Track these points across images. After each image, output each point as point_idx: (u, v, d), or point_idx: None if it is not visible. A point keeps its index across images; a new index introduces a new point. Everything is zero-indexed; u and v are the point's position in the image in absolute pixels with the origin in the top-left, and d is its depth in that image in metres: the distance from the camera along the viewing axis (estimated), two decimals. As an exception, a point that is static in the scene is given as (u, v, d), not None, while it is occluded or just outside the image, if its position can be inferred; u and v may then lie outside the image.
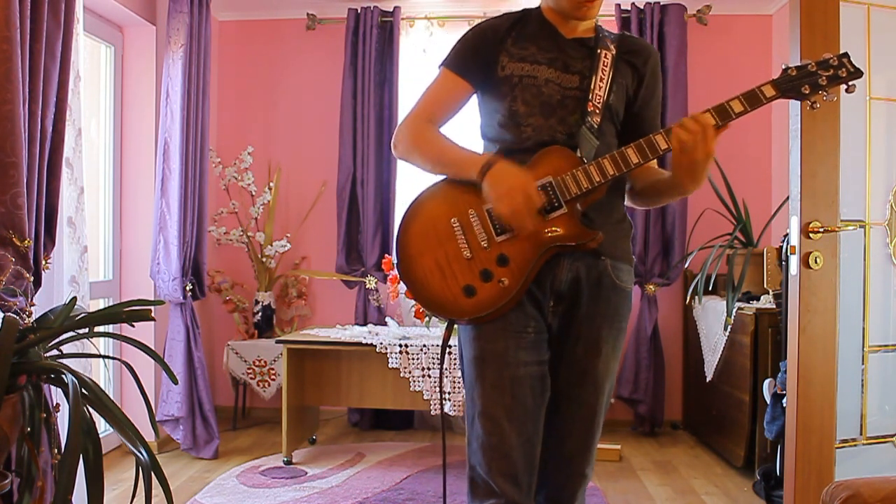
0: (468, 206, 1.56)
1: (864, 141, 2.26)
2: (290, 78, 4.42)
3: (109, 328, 3.07)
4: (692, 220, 4.07)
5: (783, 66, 1.50)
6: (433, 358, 3.37)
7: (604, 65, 1.60)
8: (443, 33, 4.14)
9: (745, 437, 3.27)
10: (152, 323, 2.89)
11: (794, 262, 2.15)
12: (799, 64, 1.49)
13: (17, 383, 1.70)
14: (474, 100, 1.70)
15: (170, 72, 3.49)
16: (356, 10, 4.17)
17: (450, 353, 3.32)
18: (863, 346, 2.27)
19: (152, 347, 1.97)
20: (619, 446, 3.65)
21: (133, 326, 1.93)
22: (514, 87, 1.60)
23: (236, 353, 4.05)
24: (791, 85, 1.48)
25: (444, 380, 3.33)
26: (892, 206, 2.30)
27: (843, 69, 1.48)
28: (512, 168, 1.50)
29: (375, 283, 4.16)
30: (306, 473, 3.31)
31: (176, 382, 2.13)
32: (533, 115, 1.59)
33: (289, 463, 3.44)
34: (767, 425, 2.83)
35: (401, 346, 3.40)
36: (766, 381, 2.87)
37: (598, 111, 1.57)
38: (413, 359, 3.39)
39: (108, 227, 3.69)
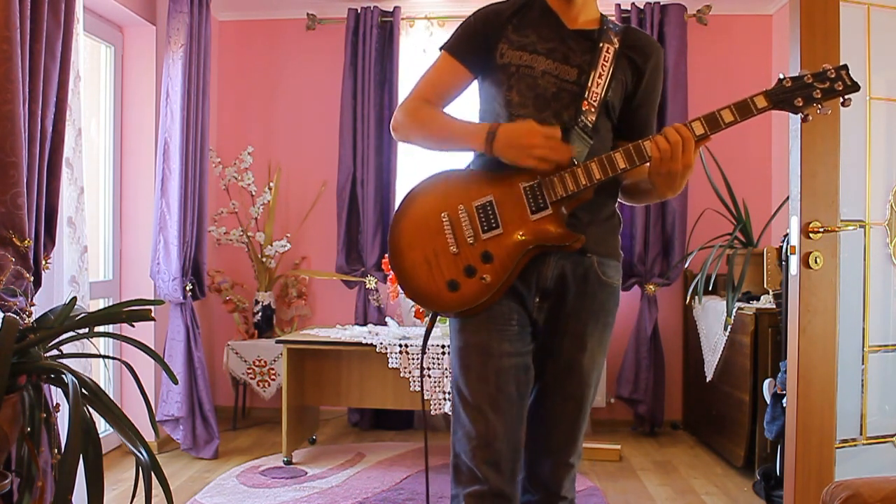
0: (458, 201, 1.58)
1: (864, 141, 2.26)
2: (290, 78, 4.42)
3: (109, 328, 3.07)
4: (692, 220, 4.07)
5: (779, 77, 1.47)
6: (433, 358, 3.37)
7: (605, 60, 1.58)
8: (443, 33, 4.14)
9: (745, 437, 3.27)
10: (152, 323, 2.89)
11: (794, 262, 2.15)
12: (795, 75, 1.47)
13: (17, 383, 1.70)
14: (476, 87, 1.71)
15: (170, 72, 3.49)
16: (356, 10, 4.17)
17: (442, 350, 3.32)
18: (863, 346, 2.27)
19: (152, 347, 1.97)
20: (619, 446, 3.65)
21: (133, 326, 1.93)
22: (510, 77, 1.60)
23: (236, 353, 4.05)
24: (784, 97, 1.46)
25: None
26: (892, 206, 2.30)
27: (840, 82, 1.45)
28: (514, 125, 1.52)
29: (375, 283, 4.16)
30: (306, 473, 3.31)
31: (176, 382, 2.13)
32: (525, 107, 1.59)
33: (289, 463, 3.44)
34: (767, 425, 2.83)
35: (401, 346, 3.40)
36: (766, 381, 2.87)
37: (593, 109, 1.56)
38: (413, 359, 3.39)
39: (108, 227, 3.69)
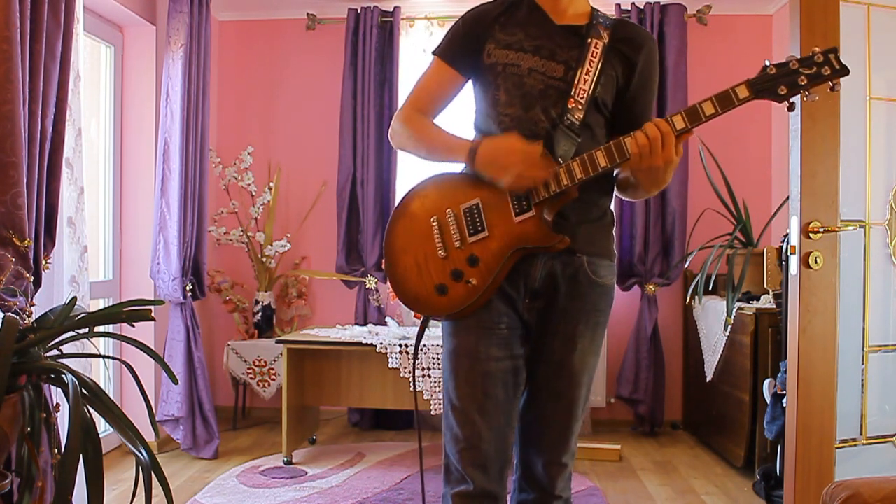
0: (447, 204, 1.59)
1: (864, 141, 2.25)
2: (290, 78, 4.42)
3: (109, 328, 3.07)
4: (692, 220, 4.07)
5: (764, 63, 1.43)
6: (433, 358, 3.37)
7: (592, 55, 1.57)
8: (443, 33, 4.13)
9: (745, 437, 3.27)
10: (152, 323, 2.88)
11: (794, 262, 2.15)
12: (781, 61, 1.42)
13: (17, 383, 1.70)
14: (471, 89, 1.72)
15: (170, 72, 3.49)
16: (356, 10, 4.17)
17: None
18: (863, 346, 2.27)
19: (152, 347, 1.97)
20: (619, 446, 3.65)
21: (133, 326, 1.93)
22: (497, 76, 1.61)
23: (236, 353, 4.05)
24: (767, 85, 1.41)
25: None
26: (892, 206, 2.30)
27: (827, 66, 1.39)
28: (495, 141, 1.53)
29: (375, 283, 4.16)
30: (306, 473, 3.31)
31: (176, 382, 2.13)
32: (513, 106, 1.59)
33: (289, 463, 3.44)
34: (767, 425, 2.83)
35: (401, 346, 3.40)
36: (766, 381, 2.87)
37: (580, 106, 1.55)
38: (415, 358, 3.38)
39: (108, 227, 3.69)
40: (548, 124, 1.56)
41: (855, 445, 2.26)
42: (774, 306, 3.17)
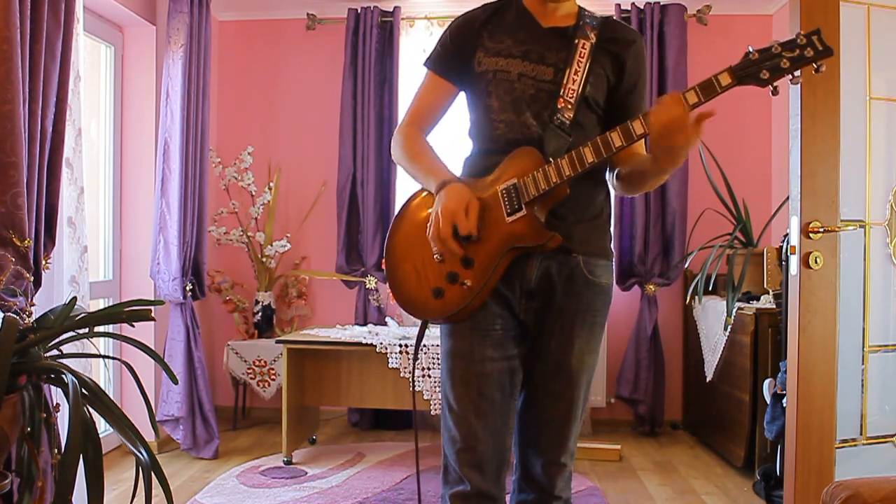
0: None
1: (864, 141, 2.25)
2: (290, 78, 4.42)
3: (109, 328, 3.07)
4: (692, 220, 4.07)
5: (747, 49, 1.41)
6: (433, 358, 3.37)
7: (580, 56, 1.58)
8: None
9: (745, 437, 3.27)
10: (152, 323, 2.88)
11: (794, 262, 2.15)
12: (763, 46, 1.41)
13: (17, 383, 1.70)
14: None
15: (170, 72, 3.49)
16: (356, 10, 4.17)
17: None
18: (863, 346, 2.27)
19: (152, 347, 1.97)
20: (619, 446, 3.65)
21: (133, 326, 1.93)
22: (488, 83, 1.62)
23: (236, 353, 4.05)
24: (749, 71, 1.40)
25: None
26: (892, 206, 2.30)
27: (810, 48, 1.37)
28: (454, 193, 1.53)
29: (375, 283, 4.16)
30: (306, 473, 3.31)
31: (176, 382, 2.13)
32: (505, 111, 1.60)
33: (289, 463, 3.44)
34: (767, 425, 2.83)
35: (401, 346, 3.40)
36: (766, 381, 2.87)
37: (570, 106, 1.56)
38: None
39: (108, 227, 3.69)
40: (538, 128, 1.57)
41: (855, 445, 2.26)
42: (774, 306, 3.17)
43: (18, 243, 2.05)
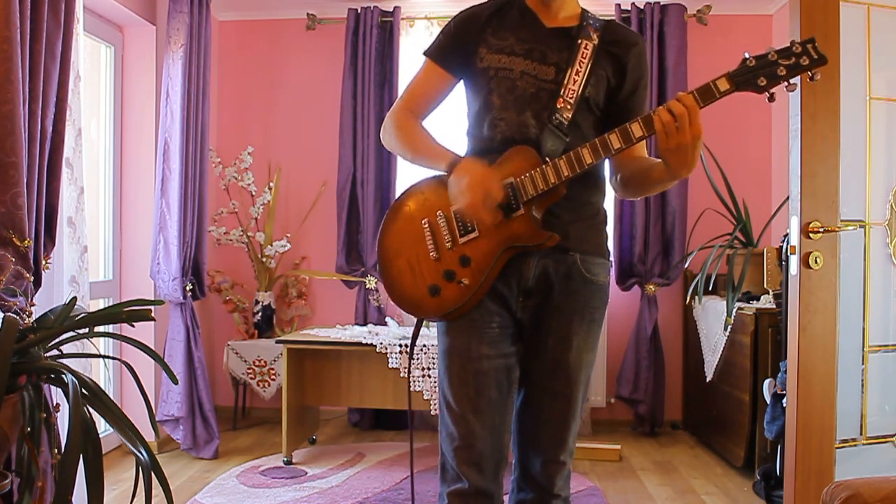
0: (437, 207, 1.61)
1: (864, 141, 2.25)
2: (290, 78, 4.41)
3: (109, 328, 3.07)
4: (692, 220, 4.07)
5: (744, 56, 1.44)
6: (433, 358, 3.37)
7: (582, 56, 1.59)
8: (443, 33, 4.14)
9: (745, 437, 3.27)
10: (152, 323, 2.88)
11: (794, 262, 2.15)
12: (760, 53, 1.44)
13: (17, 383, 1.70)
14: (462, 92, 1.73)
15: (170, 72, 3.49)
16: (356, 10, 4.17)
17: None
18: (863, 346, 2.27)
19: (152, 347, 1.97)
20: (619, 446, 3.65)
21: (133, 326, 1.93)
22: (490, 80, 1.62)
23: (236, 353, 4.05)
24: (746, 77, 1.43)
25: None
26: (892, 206, 2.30)
27: (805, 56, 1.40)
28: (476, 164, 1.54)
29: (375, 283, 4.16)
30: (306, 473, 3.31)
31: (176, 382, 2.13)
32: (507, 110, 1.60)
33: (289, 463, 3.44)
34: (767, 425, 2.83)
35: (401, 346, 3.40)
36: (766, 381, 2.87)
37: (569, 106, 1.57)
38: (413, 359, 3.38)
39: (108, 227, 3.69)
40: (537, 127, 1.58)
41: (855, 445, 2.26)
42: (774, 306, 3.17)
43: (18, 243, 2.05)
